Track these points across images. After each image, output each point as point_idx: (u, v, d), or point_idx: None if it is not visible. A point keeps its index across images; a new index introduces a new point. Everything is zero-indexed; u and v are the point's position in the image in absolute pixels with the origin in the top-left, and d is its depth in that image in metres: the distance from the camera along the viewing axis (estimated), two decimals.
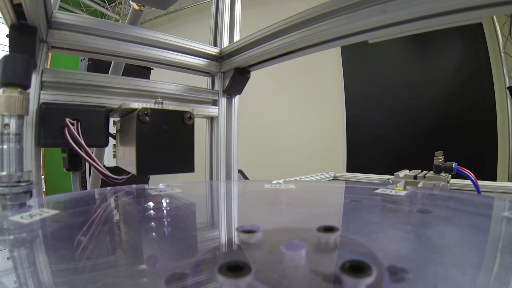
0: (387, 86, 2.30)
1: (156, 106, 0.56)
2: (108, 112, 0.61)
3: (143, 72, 2.05)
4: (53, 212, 0.30)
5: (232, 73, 0.81)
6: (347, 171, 2.02)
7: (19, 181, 0.36)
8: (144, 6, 0.69)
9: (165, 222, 0.33)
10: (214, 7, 0.86)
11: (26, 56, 0.37)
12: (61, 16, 0.53)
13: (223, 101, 0.85)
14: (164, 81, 0.72)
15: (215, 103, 0.84)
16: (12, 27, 0.44)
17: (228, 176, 0.89)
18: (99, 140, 0.59)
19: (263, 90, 2.70)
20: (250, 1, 2.68)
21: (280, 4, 2.66)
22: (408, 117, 2.18)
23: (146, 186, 0.47)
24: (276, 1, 2.71)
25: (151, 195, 0.42)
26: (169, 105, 0.54)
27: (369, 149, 2.37)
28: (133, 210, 0.39)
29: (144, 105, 0.54)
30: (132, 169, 0.50)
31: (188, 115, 0.53)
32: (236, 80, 0.82)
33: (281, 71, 2.60)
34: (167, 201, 0.41)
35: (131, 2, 0.67)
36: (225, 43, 0.85)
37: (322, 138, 2.60)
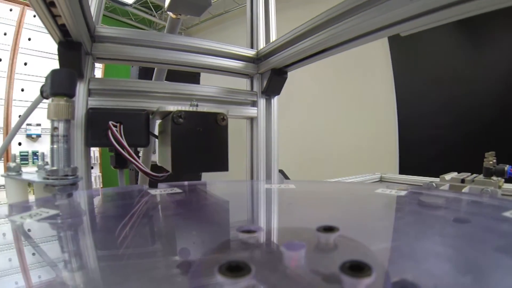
0: (440, 81, 2.12)
1: (190, 109, 0.60)
2: (148, 115, 0.67)
3: (193, 75, 2.16)
4: (52, 212, 0.31)
5: (269, 74, 0.83)
6: (400, 172, 1.90)
7: (67, 175, 0.43)
8: (180, 14, 0.74)
9: (164, 221, 0.35)
10: (249, 10, 0.89)
11: (70, 70, 0.43)
12: (103, 30, 0.60)
13: (262, 102, 0.87)
14: (203, 85, 0.77)
15: (254, 104, 0.87)
16: (59, 44, 0.51)
17: (268, 176, 0.91)
18: (140, 140, 0.65)
19: (309, 88, 2.67)
20: (285, 3, 2.66)
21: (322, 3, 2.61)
22: (463, 115, 1.98)
23: (145, 186, 0.50)
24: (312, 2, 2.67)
25: (152, 194, 0.43)
26: (204, 107, 0.58)
27: (423, 149, 2.21)
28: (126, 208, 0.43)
29: (179, 108, 0.58)
30: (169, 167, 0.55)
31: (221, 117, 0.57)
32: (273, 81, 0.84)
33: (328, 68, 2.55)
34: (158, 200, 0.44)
35: (168, 12, 0.73)
36: (262, 44, 0.87)
37: (372, 137, 2.49)
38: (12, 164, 0.43)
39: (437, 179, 0.77)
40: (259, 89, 0.86)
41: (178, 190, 0.47)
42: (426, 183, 0.77)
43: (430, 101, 2.17)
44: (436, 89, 2.14)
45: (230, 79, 0.87)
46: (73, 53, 0.53)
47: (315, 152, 2.75)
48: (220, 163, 0.57)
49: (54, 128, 0.43)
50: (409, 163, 2.31)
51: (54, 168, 0.42)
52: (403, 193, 0.34)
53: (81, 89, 0.59)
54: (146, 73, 1.74)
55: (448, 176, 0.76)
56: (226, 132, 0.56)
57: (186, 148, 0.57)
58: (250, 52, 0.85)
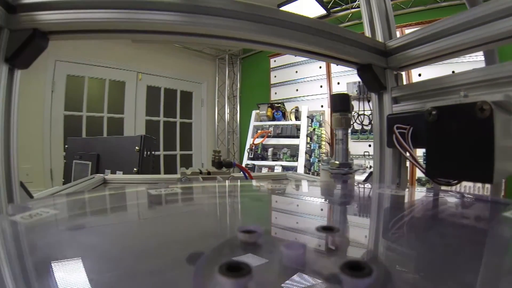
0: None
1: (452, 102, 0.51)
2: None
3: None
4: (53, 211, 0.32)
5: None
6: None
7: (339, 166, 0.63)
8: None
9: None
10: None
11: (341, 94, 0.66)
12: (392, 43, 0.72)
13: None
14: None
15: None
16: (357, 70, 0.73)
17: None
18: (423, 141, 0.65)
19: None
20: None
21: None
22: None
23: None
24: None
25: (152, 195, 0.42)
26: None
27: None
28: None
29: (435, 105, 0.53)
30: None
31: (480, 107, 0.46)
32: None
33: None
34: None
35: None
36: None
37: None
38: (324, 157, 0.72)
39: None
40: None
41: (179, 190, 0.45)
42: None
43: None
44: None
45: None
46: (367, 74, 0.73)
47: None
48: (479, 171, 0.46)
49: (336, 134, 0.66)
50: None
51: (336, 162, 0.65)
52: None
53: (385, 99, 0.76)
54: None
55: None
56: (488, 127, 0.44)
57: (439, 149, 0.52)
58: None
